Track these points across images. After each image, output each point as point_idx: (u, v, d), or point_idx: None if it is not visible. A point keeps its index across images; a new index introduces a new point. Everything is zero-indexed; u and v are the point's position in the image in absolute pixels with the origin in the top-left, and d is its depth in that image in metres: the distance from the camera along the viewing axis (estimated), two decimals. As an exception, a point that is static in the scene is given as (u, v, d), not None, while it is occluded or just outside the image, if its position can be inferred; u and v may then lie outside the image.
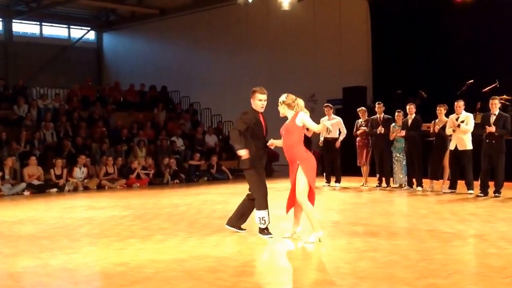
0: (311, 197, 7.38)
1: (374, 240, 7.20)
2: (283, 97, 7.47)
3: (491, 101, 11.46)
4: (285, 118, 7.71)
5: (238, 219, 7.97)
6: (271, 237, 7.52)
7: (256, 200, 7.66)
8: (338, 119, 14.49)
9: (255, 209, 7.69)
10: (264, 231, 7.62)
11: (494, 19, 16.60)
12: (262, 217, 7.58)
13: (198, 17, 25.40)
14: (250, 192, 7.80)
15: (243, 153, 7.45)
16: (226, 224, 8.03)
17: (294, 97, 7.51)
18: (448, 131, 12.14)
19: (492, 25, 16.66)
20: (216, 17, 24.86)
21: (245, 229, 7.89)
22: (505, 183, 11.64)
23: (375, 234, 7.65)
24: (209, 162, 18.13)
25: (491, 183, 11.53)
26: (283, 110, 7.51)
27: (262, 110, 7.72)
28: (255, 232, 7.82)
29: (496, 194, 11.32)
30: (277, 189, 14.50)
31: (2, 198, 13.63)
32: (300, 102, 7.53)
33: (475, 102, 13.75)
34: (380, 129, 13.60)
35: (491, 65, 16.21)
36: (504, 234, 7.50)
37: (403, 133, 12.97)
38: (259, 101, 7.64)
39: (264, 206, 7.60)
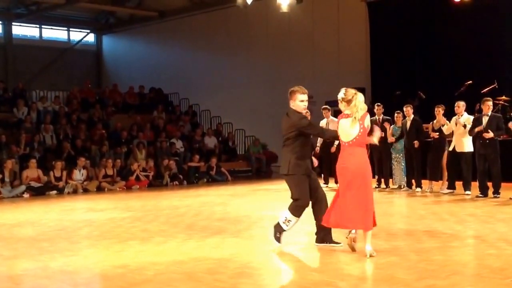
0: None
1: (373, 241, 7.14)
2: (341, 94, 6.59)
3: (485, 102, 11.45)
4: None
5: (324, 233, 7.10)
6: (280, 246, 6.94)
7: (294, 205, 6.97)
8: (337, 121, 14.51)
9: (287, 209, 7.02)
10: (277, 234, 6.98)
11: (492, 19, 16.62)
12: (289, 220, 6.95)
13: (197, 19, 25.42)
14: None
15: (377, 134, 6.87)
16: (316, 242, 7.13)
17: (354, 91, 6.58)
18: (447, 128, 12.15)
19: (490, 26, 16.68)
20: (215, 19, 24.87)
21: (340, 243, 6.95)
22: (503, 184, 11.63)
23: (374, 235, 7.58)
24: (209, 163, 18.13)
25: (490, 184, 11.53)
26: (343, 107, 6.60)
27: (304, 112, 7.17)
28: (255, 234, 7.82)
29: (495, 195, 11.31)
30: (276, 190, 14.54)
31: (1, 201, 13.63)
32: (360, 97, 6.49)
33: (473, 103, 13.75)
34: (380, 133, 13.59)
35: (489, 66, 16.23)
36: (503, 235, 7.50)
37: (393, 139, 13.02)
38: (300, 102, 7.03)
39: (298, 214, 6.98)
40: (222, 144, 20.72)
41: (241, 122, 22.42)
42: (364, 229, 6.40)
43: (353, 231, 6.52)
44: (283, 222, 6.98)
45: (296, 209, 6.94)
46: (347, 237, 6.55)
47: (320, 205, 7.05)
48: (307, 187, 6.99)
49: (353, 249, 6.47)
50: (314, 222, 7.11)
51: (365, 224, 6.40)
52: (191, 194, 14.24)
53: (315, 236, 7.10)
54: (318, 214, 6.99)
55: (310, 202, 7.01)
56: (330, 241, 6.99)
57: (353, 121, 6.43)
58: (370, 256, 6.22)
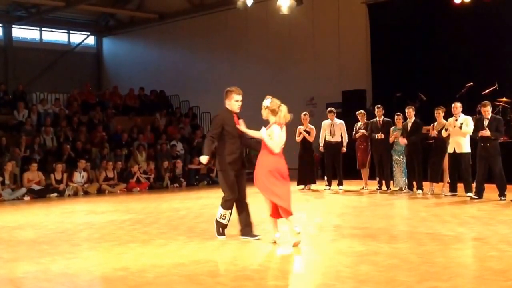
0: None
1: (375, 243, 7.18)
2: (267, 102, 7.32)
3: (482, 108, 11.43)
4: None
5: (246, 227, 7.76)
6: (224, 238, 7.61)
7: (223, 200, 7.67)
8: (341, 122, 14.55)
9: (219, 205, 7.70)
10: (220, 230, 7.70)
11: (493, 21, 16.61)
12: (224, 215, 7.63)
13: (197, 21, 25.42)
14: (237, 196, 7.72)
15: (203, 160, 7.59)
16: (241, 235, 7.76)
17: (279, 102, 7.29)
18: (444, 133, 12.15)
19: (491, 27, 16.67)
20: (215, 21, 24.87)
21: (258, 235, 7.68)
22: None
23: (375, 237, 7.64)
24: (209, 166, 18.10)
25: (490, 186, 11.50)
26: (266, 114, 7.36)
27: (238, 111, 7.65)
28: (258, 237, 7.81)
29: (502, 198, 11.26)
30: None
31: (2, 203, 13.63)
32: (284, 108, 7.29)
33: (475, 105, 13.73)
34: (380, 136, 13.59)
35: (490, 67, 16.22)
36: (505, 236, 7.49)
37: (405, 140, 12.90)
38: (236, 102, 7.62)
39: (228, 207, 7.66)
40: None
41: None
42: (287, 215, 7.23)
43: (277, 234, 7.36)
44: (220, 218, 7.67)
45: (226, 203, 7.61)
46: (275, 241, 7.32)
47: (241, 204, 7.67)
48: (234, 182, 7.53)
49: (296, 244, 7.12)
50: (315, 224, 7.13)
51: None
52: (192, 197, 14.22)
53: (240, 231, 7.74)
54: (241, 211, 7.67)
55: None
56: (251, 235, 7.64)
57: (283, 130, 7.24)
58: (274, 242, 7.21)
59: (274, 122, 7.27)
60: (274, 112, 7.24)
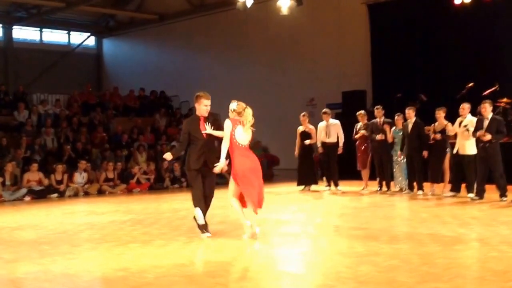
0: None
1: (375, 244, 7.18)
2: (234, 105, 7.86)
3: (482, 105, 11.43)
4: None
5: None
6: (209, 235, 7.93)
7: (192, 198, 8.15)
8: (337, 123, 14.54)
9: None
10: (201, 229, 8.05)
11: (493, 21, 16.62)
12: (197, 215, 8.04)
13: (197, 22, 25.45)
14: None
15: (168, 156, 8.36)
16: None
17: (244, 105, 7.89)
18: (451, 130, 12.10)
19: (491, 28, 16.68)
20: (215, 22, 24.89)
21: (209, 233, 8.06)
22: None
23: (376, 238, 7.63)
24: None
25: (490, 187, 11.49)
26: (233, 117, 7.83)
27: (206, 115, 8.10)
28: (256, 237, 7.81)
29: (502, 199, 11.25)
30: (277, 193, 14.52)
31: (2, 204, 13.62)
32: (249, 110, 7.88)
33: (475, 106, 13.71)
34: (381, 137, 13.57)
35: (491, 68, 16.21)
36: (505, 237, 7.48)
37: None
38: (204, 106, 8.08)
39: (196, 204, 8.07)
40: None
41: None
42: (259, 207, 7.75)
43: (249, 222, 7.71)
44: (197, 216, 8.09)
45: (194, 200, 8.11)
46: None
47: (204, 201, 8.14)
48: (200, 182, 8.07)
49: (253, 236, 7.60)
50: (315, 225, 7.14)
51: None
52: (192, 197, 14.19)
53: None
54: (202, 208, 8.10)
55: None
56: (204, 231, 8.02)
57: (246, 129, 7.79)
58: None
59: (235, 119, 7.81)
60: (240, 114, 7.81)
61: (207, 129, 8.04)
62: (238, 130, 7.75)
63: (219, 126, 8.05)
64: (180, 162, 16.11)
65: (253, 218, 7.72)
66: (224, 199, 13.10)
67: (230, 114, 7.83)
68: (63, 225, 9.64)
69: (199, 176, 8.08)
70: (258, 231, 7.70)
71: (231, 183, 7.81)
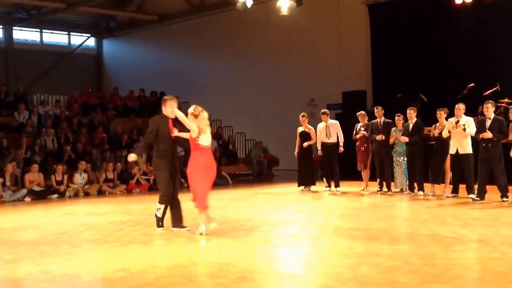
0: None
1: (376, 245, 7.17)
2: (191, 109, 8.40)
3: (484, 105, 11.42)
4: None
5: (176, 220, 8.72)
6: (162, 230, 8.58)
7: (160, 195, 8.67)
8: (336, 123, 14.53)
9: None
10: (159, 223, 8.67)
11: (494, 21, 16.58)
12: (159, 208, 8.64)
13: (197, 23, 25.44)
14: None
15: (131, 158, 8.93)
16: (172, 227, 8.70)
17: (200, 109, 8.41)
18: (445, 133, 12.11)
19: (492, 28, 16.65)
20: (215, 22, 24.88)
21: (187, 227, 8.60)
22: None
23: (376, 238, 7.63)
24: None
25: (492, 188, 11.47)
26: (191, 120, 8.29)
27: (173, 116, 8.52)
28: (256, 238, 7.80)
29: (504, 199, 11.23)
30: (277, 194, 14.52)
31: (3, 204, 13.61)
32: (205, 114, 8.38)
33: (476, 106, 13.72)
34: (381, 137, 13.55)
35: (492, 68, 16.20)
36: (507, 238, 7.47)
37: (406, 139, 12.89)
38: (170, 108, 8.58)
39: (162, 202, 8.63)
40: (222, 148, 20.68)
41: (241, 125, 22.41)
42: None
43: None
44: (157, 211, 8.68)
45: (161, 198, 8.65)
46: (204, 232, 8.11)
47: (174, 198, 8.65)
48: (168, 180, 8.49)
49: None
50: (316, 226, 7.13)
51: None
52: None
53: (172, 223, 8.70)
54: (173, 206, 8.68)
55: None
56: (181, 226, 8.60)
57: (208, 133, 8.34)
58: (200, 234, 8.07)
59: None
60: (196, 117, 8.27)
61: (175, 132, 8.50)
62: (203, 135, 8.28)
63: (183, 129, 8.45)
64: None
65: (207, 216, 8.25)
66: (222, 200, 13.19)
67: (189, 118, 8.28)
68: (63, 226, 9.63)
69: (169, 175, 8.52)
70: (214, 226, 8.27)
71: (189, 178, 8.37)
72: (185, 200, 8.84)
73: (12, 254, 7.28)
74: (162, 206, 8.65)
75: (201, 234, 8.10)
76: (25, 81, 25.10)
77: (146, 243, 7.76)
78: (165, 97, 8.90)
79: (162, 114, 8.67)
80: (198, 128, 8.19)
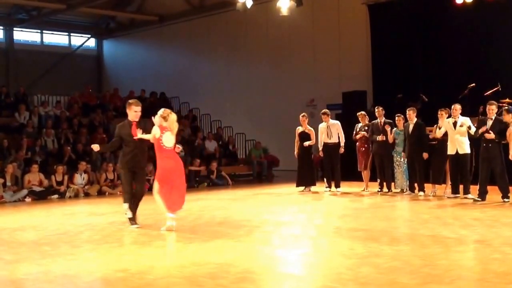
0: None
1: (376, 245, 7.16)
2: (161, 111, 8.77)
3: (488, 106, 11.42)
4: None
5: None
6: (138, 227, 9.00)
7: (122, 195, 9.33)
8: (337, 123, 14.50)
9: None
10: (130, 221, 9.14)
11: (495, 21, 16.57)
12: (125, 209, 9.16)
13: (197, 23, 25.44)
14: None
15: (95, 148, 9.47)
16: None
17: (169, 111, 8.82)
18: (439, 133, 12.11)
19: (493, 28, 16.64)
20: (215, 23, 24.89)
21: (138, 224, 9.13)
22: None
23: (376, 239, 7.62)
24: (209, 167, 18.09)
25: (492, 188, 11.46)
26: (158, 121, 8.67)
27: (137, 120, 9.05)
28: (256, 238, 7.79)
29: (505, 200, 11.21)
30: (277, 194, 14.51)
31: (3, 205, 13.61)
32: (173, 116, 8.77)
33: (477, 106, 13.70)
34: (382, 137, 13.53)
35: (493, 68, 16.17)
36: (508, 239, 7.45)
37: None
38: (134, 112, 9.06)
39: (125, 200, 9.15)
40: (222, 148, 20.68)
41: (241, 126, 22.40)
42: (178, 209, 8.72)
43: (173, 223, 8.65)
44: (125, 213, 9.22)
45: (124, 197, 9.19)
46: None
47: (134, 199, 9.12)
48: (129, 179, 9.04)
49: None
50: (316, 226, 7.12)
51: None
52: (192, 198, 14.13)
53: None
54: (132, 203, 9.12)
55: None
56: (133, 223, 9.08)
57: (172, 134, 8.63)
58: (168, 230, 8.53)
59: (163, 126, 8.63)
60: (165, 119, 8.64)
61: (138, 134, 8.88)
62: (166, 135, 8.59)
63: (148, 131, 8.83)
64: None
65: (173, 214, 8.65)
66: (222, 201, 13.20)
67: (157, 120, 8.66)
68: (64, 226, 9.62)
69: (130, 175, 9.05)
70: (174, 224, 8.64)
71: (156, 181, 8.68)
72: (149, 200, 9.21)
73: (12, 254, 7.27)
74: (126, 205, 9.14)
75: (170, 230, 8.55)
76: (25, 81, 25.10)
77: (146, 243, 7.75)
78: (129, 101, 9.39)
79: (127, 119, 9.20)
80: (162, 128, 8.56)
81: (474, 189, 11.71)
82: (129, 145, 8.99)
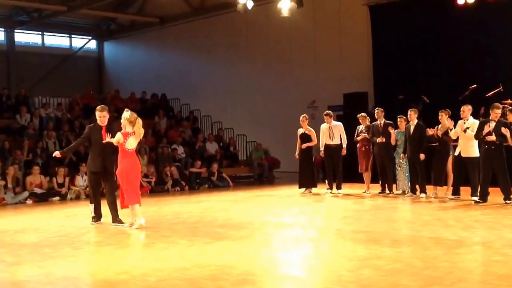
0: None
1: (377, 247, 7.16)
2: (126, 114, 9.34)
3: (495, 109, 11.34)
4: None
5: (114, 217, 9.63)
6: (92, 224, 9.69)
7: (90, 195, 10.03)
8: (339, 124, 14.47)
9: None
10: (92, 219, 9.82)
11: (496, 22, 16.53)
12: (91, 210, 9.88)
13: (198, 25, 25.45)
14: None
15: (55, 154, 10.19)
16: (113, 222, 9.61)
17: (136, 115, 9.36)
18: (453, 133, 12.02)
19: (494, 28, 16.60)
20: (215, 24, 24.89)
21: (124, 222, 9.45)
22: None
23: (378, 241, 7.61)
24: (210, 169, 18.09)
25: (494, 190, 11.44)
26: (125, 124, 9.25)
27: (102, 124, 9.69)
28: (257, 240, 7.79)
29: (507, 201, 11.17)
30: (278, 196, 14.50)
31: (5, 207, 13.61)
32: (139, 120, 9.35)
33: (478, 107, 13.67)
34: (381, 139, 13.51)
35: (494, 69, 16.15)
36: (509, 241, 7.45)
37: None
38: (99, 117, 9.73)
39: (91, 201, 9.92)
40: (223, 150, 20.67)
41: (242, 127, 22.40)
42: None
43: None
44: (91, 210, 9.95)
45: (90, 198, 10.01)
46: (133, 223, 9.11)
47: (107, 197, 9.68)
48: (95, 180, 9.78)
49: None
50: (317, 228, 7.13)
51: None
52: (193, 200, 14.20)
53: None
54: (107, 203, 9.66)
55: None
56: (119, 222, 9.50)
57: (136, 137, 9.23)
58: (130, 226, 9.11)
59: (128, 132, 9.23)
60: (132, 123, 9.20)
61: (107, 138, 9.46)
62: (130, 139, 9.17)
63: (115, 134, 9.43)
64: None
65: (138, 210, 9.18)
66: (223, 203, 13.19)
67: (123, 122, 9.21)
68: (65, 228, 9.63)
69: (99, 177, 9.71)
70: (143, 222, 9.14)
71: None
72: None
73: (13, 256, 7.27)
74: (92, 206, 9.86)
75: (137, 228, 8.99)
76: (27, 83, 25.11)
77: (147, 245, 7.75)
78: (97, 107, 10.08)
79: (96, 122, 9.81)
80: (126, 133, 9.17)
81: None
82: (96, 148, 9.65)
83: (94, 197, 9.85)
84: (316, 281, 5.83)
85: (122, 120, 9.29)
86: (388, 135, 13.49)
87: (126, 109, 9.64)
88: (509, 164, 11.49)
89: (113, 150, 9.57)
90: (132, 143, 9.24)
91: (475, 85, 14.62)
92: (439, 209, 11.10)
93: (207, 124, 23.31)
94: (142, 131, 9.34)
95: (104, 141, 9.50)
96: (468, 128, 11.65)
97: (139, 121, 9.29)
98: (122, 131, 9.28)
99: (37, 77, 26.84)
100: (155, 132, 20.23)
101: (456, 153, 11.98)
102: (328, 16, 21.43)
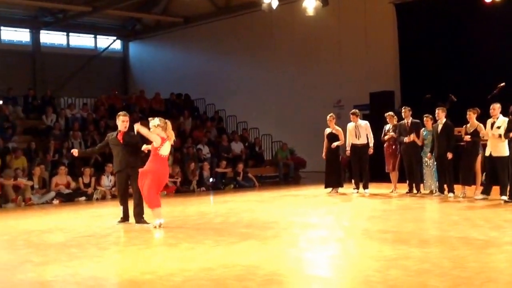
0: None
1: (405, 247, 7.06)
2: (156, 121, 9.18)
3: None
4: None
5: (139, 216, 9.70)
6: (118, 224, 9.86)
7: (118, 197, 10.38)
8: (366, 123, 14.33)
9: None
10: (120, 219, 10.03)
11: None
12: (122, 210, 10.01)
13: (222, 24, 25.47)
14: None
15: (74, 152, 10.61)
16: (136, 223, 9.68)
17: (165, 120, 9.32)
18: (485, 133, 11.81)
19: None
20: (240, 24, 24.89)
21: (149, 223, 9.47)
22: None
23: (405, 241, 7.52)
24: (236, 169, 18.08)
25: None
26: (157, 131, 9.13)
27: (123, 129, 9.84)
28: (283, 240, 7.74)
29: None
30: (304, 196, 14.43)
31: (31, 207, 13.76)
32: (169, 124, 9.35)
33: (507, 106, 13.45)
34: (409, 139, 13.36)
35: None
36: (539, 240, 7.31)
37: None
38: (122, 122, 9.86)
39: (121, 202, 10.04)
40: (248, 150, 20.65)
41: (267, 127, 22.37)
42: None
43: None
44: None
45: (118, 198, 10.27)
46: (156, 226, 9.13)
47: (133, 197, 9.71)
48: (120, 181, 10.08)
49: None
50: (344, 228, 7.05)
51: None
52: (218, 200, 14.20)
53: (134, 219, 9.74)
54: (133, 204, 9.74)
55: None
56: (144, 222, 9.57)
57: (170, 139, 9.23)
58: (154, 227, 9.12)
59: (164, 138, 9.14)
60: (163, 128, 9.15)
61: (144, 145, 9.55)
62: (165, 144, 9.13)
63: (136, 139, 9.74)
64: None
65: (160, 212, 9.29)
66: (249, 203, 13.16)
67: (154, 129, 9.10)
68: (91, 228, 9.69)
69: (123, 176, 9.90)
70: (163, 221, 9.25)
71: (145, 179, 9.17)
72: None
73: (40, 256, 7.33)
74: (121, 207, 10.02)
75: (155, 227, 9.09)
76: (52, 84, 25.39)
77: (173, 245, 7.75)
78: (119, 113, 10.24)
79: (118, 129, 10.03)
80: (162, 138, 9.04)
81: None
82: (116, 152, 9.93)
83: (120, 197, 10.12)
84: (343, 281, 5.77)
85: (152, 129, 9.16)
86: (415, 134, 13.33)
87: (150, 118, 9.56)
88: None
89: (134, 149, 9.74)
90: (166, 149, 9.22)
91: (503, 83, 14.38)
92: (467, 208, 10.94)
93: (233, 124, 23.34)
94: (173, 133, 9.37)
95: (144, 149, 9.63)
96: (499, 127, 11.43)
97: (169, 124, 9.33)
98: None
99: (62, 77, 27.10)
100: (180, 132, 20.29)
101: (487, 153, 11.74)
102: (353, 15, 21.30)
